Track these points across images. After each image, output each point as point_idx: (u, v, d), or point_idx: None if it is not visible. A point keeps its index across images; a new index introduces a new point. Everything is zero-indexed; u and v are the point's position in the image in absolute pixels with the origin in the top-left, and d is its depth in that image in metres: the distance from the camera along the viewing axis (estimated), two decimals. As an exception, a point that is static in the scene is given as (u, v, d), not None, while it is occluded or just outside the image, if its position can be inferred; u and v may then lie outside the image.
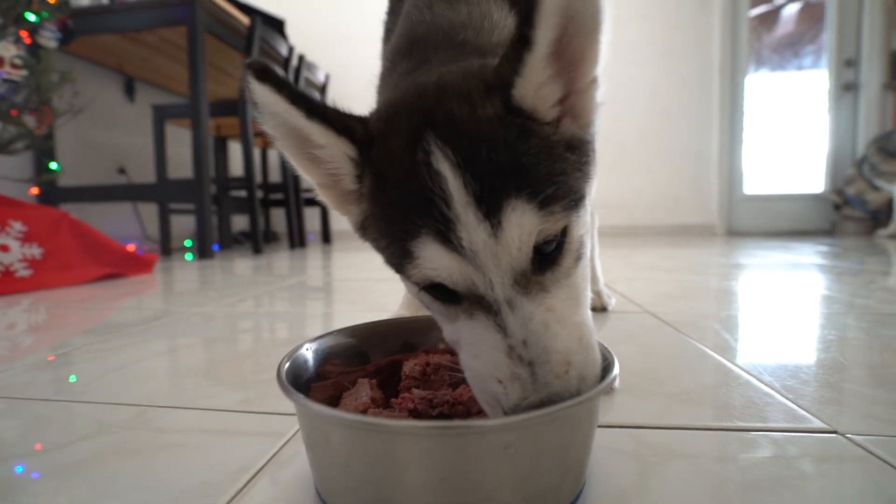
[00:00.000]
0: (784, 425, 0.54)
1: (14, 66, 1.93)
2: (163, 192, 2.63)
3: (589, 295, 0.46)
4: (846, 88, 3.98)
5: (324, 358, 0.55)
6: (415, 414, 0.47)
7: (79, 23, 2.37)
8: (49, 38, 2.12)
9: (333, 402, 0.50)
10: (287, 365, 0.47)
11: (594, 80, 0.44)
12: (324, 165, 0.48)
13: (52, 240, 1.91)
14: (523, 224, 0.38)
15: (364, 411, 0.47)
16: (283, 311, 1.28)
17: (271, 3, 3.48)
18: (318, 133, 0.44)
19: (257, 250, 2.90)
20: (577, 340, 0.40)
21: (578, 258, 0.44)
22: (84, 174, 2.78)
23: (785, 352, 0.85)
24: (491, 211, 0.38)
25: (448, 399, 0.48)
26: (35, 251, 1.86)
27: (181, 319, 1.18)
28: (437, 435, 0.35)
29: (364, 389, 0.50)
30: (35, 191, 2.31)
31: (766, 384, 0.66)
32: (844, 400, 0.61)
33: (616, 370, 0.42)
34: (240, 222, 3.91)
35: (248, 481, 0.44)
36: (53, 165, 2.34)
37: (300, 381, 0.50)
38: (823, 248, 2.67)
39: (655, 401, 0.61)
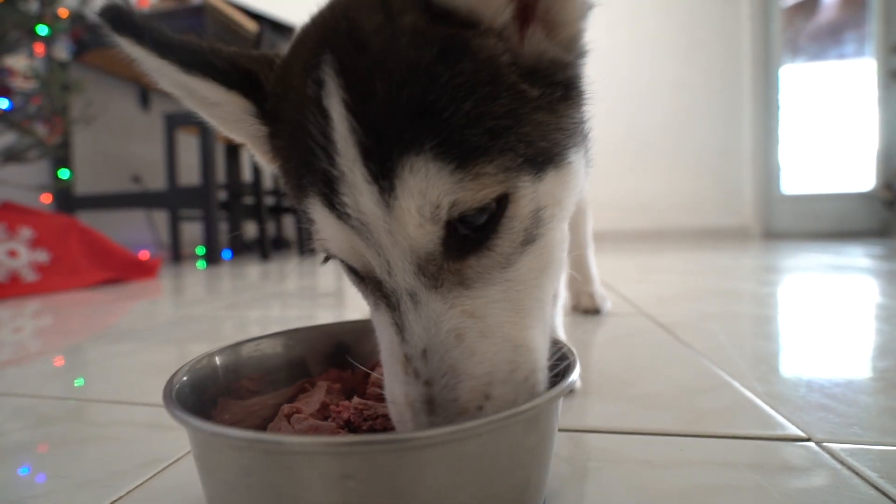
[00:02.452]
0: (752, 432, 0.45)
1: (26, 77, 2.00)
2: (172, 199, 2.67)
3: (550, 298, 0.34)
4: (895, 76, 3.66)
5: (239, 372, 0.48)
6: (348, 425, 0.40)
7: (94, 35, 2.44)
8: (62, 50, 2.20)
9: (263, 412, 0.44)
10: (185, 377, 0.39)
11: None
12: (235, 125, 0.38)
13: (59, 245, 1.95)
14: (427, 191, 0.27)
15: (289, 416, 0.41)
16: (276, 315, 1.24)
17: (283, 10, 3.53)
18: (205, 89, 0.36)
19: (265, 256, 2.90)
20: (508, 367, 0.29)
21: (529, 241, 0.31)
22: (100, 183, 2.86)
23: (785, 356, 0.73)
24: (382, 171, 0.27)
25: (385, 412, 0.39)
26: (42, 256, 1.90)
27: (169, 321, 1.15)
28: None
29: (319, 393, 0.44)
30: (48, 198, 2.38)
31: (748, 388, 0.56)
32: (835, 407, 0.50)
33: (574, 377, 0.32)
34: (253, 230, 3.95)
35: (156, 473, 0.43)
36: (64, 174, 2.41)
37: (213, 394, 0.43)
38: (873, 251, 2.41)
39: (616, 404, 0.54)
